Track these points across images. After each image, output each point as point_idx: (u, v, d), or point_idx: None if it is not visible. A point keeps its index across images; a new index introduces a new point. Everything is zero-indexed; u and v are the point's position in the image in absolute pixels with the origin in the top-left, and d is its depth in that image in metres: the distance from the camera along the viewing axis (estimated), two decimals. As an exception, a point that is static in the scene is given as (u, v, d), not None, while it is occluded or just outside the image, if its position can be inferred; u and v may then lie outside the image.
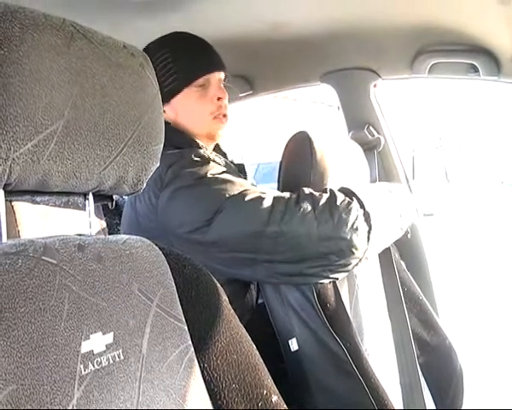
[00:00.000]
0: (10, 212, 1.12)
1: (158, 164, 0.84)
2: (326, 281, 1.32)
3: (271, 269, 1.29)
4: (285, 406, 0.90)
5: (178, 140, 1.42)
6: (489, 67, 1.66)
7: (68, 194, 0.79)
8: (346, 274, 1.35)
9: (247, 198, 1.29)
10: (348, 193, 1.34)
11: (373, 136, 1.99)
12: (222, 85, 1.52)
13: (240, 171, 1.53)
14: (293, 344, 1.34)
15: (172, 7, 1.53)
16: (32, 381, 0.62)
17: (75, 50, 0.71)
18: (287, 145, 1.45)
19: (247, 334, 0.91)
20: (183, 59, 1.45)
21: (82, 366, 0.67)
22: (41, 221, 1.20)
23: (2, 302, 0.62)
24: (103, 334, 0.71)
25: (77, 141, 0.71)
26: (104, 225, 1.53)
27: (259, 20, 1.68)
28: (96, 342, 0.70)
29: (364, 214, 1.31)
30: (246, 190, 1.31)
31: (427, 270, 2.07)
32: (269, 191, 1.33)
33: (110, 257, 0.77)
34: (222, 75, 1.52)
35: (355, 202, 1.31)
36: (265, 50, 1.91)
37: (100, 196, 0.83)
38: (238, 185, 1.32)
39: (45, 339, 0.64)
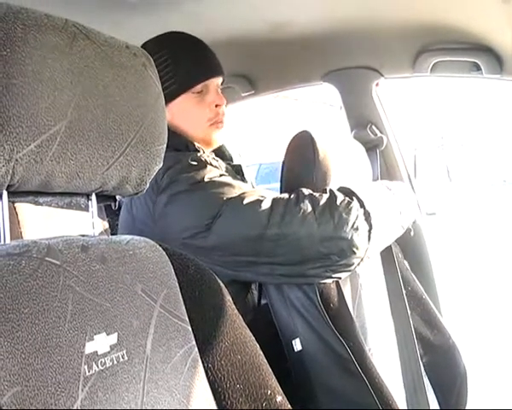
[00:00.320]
0: (13, 213, 1.12)
1: (161, 164, 0.84)
2: (329, 281, 1.32)
3: (273, 271, 1.29)
4: (289, 406, 0.90)
5: (175, 142, 1.40)
6: (491, 66, 1.65)
7: (71, 194, 0.79)
8: (348, 274, 1.35)
9: (245, 201, 1.28)
10: (348, 193, 1.33)
11: (375, 135, 1.99)
12: (219, 90, 1.51)
13: (237, 172, 1.52)
14: (297, 344, 1.33)
15: (174, 6, 1.53)
16: (37, 382, 0.62)
17: (78, 51, 0.71)
18: (289, 145, 1.44)
19: (251, 334, 0.91)
20: (181, 64, 1.43)
21: (86, 367, 0.67)
22: (44, 222, 1.20)
23: (6, 303, 0.62)
24: (107, 335, 0.71)
25: (80, 141, 0.71)
26: (107, 225, 1.53)
27: (261, 20, 1.68)
28: (100, 342, 0.70)
29: (365, 214, 1.31)
30: (244, 193, 1.31)
31: (430, 269, 2.07)
32: (267, 193, 1.33)
33: (114, 258, 0.77)
34: (220, 80, 1.51)
35: (355, 201, 1.31)
36: (267, 50, 1.91)
37: (103, 197, 0.83)
38: (236, 188, 1.32)
39: (49, 340, 0.64)
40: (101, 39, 0.75)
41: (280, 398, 0.88)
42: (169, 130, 1.45)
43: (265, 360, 0.91)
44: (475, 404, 1.84)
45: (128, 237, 0.83)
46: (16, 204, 1.11)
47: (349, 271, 1.32)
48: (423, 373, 1.58)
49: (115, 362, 0.70)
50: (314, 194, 1.31)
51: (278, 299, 1.36)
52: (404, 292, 1.62)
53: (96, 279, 0.73)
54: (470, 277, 5.60)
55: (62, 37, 0.69)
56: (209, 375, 0.82)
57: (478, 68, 1.69)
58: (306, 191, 1.32)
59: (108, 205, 0.88)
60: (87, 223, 0.83)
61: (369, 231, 1.30)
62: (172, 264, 0.85)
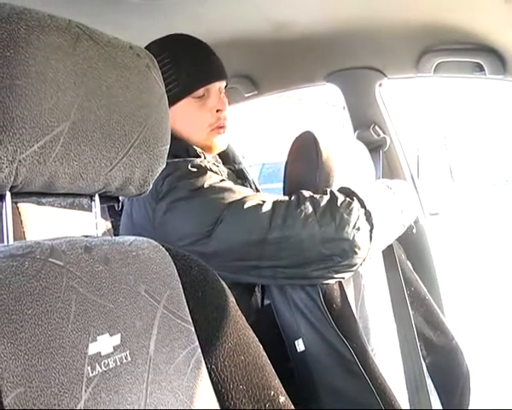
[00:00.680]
0: (16, 213, 1.12)
1: (164, 165, 0.84)
2: (332, 281, 1.32)
3: (276, 274, 1.29)
4: (292, 406, 0.90)
5: (175, 148, 1.39)
6: (495, 66, 1.65)
7: (74, 195, 0.79)
8: (351, 274, 1.35)
9: (246, 205, 1.28)
10: (348, 193, 1.33)
11: (378, 135, 1.99)
12: (223, 94, 1.49)
13: (238, 176, 1.52)
14: (300, 345, 1.33)
15: (177, 7, 1.53)
16: (40, 383, 0.62)
17: (81, 51, 0.71)
18: (292, 145, 1.44)
19: (254, 335, 0.91)
20: (183, 67, 1.42)
21: (89, 368, 0.67)
22: (46, 222, 1.20)
23: (10, 304, 0.62)
24: (110, 335, 0.71)
25: (83, 142, 0.71)
26: (109, 225, 1.53)
27: (265, 20, 1.68)
28: (104, 343, 0.70)
29: (366, 214, 1.30)
30: (244, 198, 1.30)
31: (433, 269, 2.07)
32: (268, 196, 1.32)
33: (117, 259, 0.77)
34: (223, 84, 1.50)
35: (355, 201, 1.31)
36: (270, 50, 1.90)
37: (106, 198, 0.83)
38: (237, 193, 1.31)
39: (52, 341, 0.64)
40: (105, 40, 0.75)
41: (283, 399, 0.88)
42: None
43: (268, 361, 0.91)
44: (478, 405, 1.84)
45: (131, 237, 0.83)
46: (19, 204, 1.11)
47: (352, 271, 1.32)
48: (426, 374, 1.58)
49: (118, 363, 0.70)
50: (315, 196, 1.31)
51: (281, 300, 1.36)
52: (405, 292, 1.62)
53: (99, 280, 0.73)
54: (473, 277, 5.59)
55: (66, 37, 0.69)
56: (212, 376, 0.82)
57: (481, 69, 1.69)
58: (307, 193, 1.31)
59: (111, 205, 0.88)
60: (90, 224, 0.83)
61: (371, 230, 1.30)
62: (175, 265, 0.85)
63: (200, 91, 1.44)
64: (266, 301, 1.50)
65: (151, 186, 0.84)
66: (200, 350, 0.82)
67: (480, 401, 1.91)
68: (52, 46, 0.67)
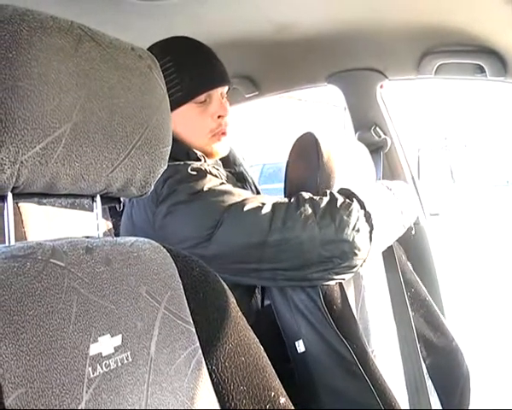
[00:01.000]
0: (17, 213, 1.12)
1: (166, 166, 0.84)
2: (332, 283, 1.32)
3: (276, 276, 1.29)
4: (293, 407, 0.90)
5: (175, 151, 1.38)
6: (496, 68, 1.65)
7: (76, 196, 0.79)
8: (352, 275, 1.35)
9: (245, 208, 1.28)
10: (348, 194, 1.33)
11: (379, 137, 1.99)
12: (224, 100, 1.49)
13: (238, 179, 1.51)
14: (300, 346, 1.34)
15: (178, 8, 1.52)
16: (41, 384, 0.62)
17: (83, 53, 0.71)
18: (293, 147, 1.44)
19: (254, 336, 0.91)
20: (185, 72, 1.41)
21: (90, 369, 0.67)
22: (47, 222, 1.20)
23: (11, 305, 0.62)
24: (111, 336, 0.71)
25: (85, 143, 0.71)
26: (110, 225, 1.53)
27: (266, 21, 1.68)
28: (105, 344, 0.70)
29: (365, 215, 1.30)
30: (244, 200, 1.30)
31: (433, 271, 2.07)
32: (268, 198, 1.32)
33: (118, 259, 0.77)
34: (225, 89, 1.50)
35: (355, 202, 1.31)
36: (272, 51, 1.90)
37: (107, 199, 0.83)
38: (236, 196, 1.31)
39: (54, 342, 0.65)
40: (107, 41, 0.75)
41: (283, 400, 0.88)
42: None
43: (269, 362, 0.91)
44: (478, 405, 1.84)
45: (132, 238, 0.83)
46: (20, 204, 1.11)
47: (352, 272, 1.32)
48: (426, 375, 1.58)
49: (119, 364, 0.71)
50: (314, 197, 1.31)
51: (281, 301, 1.36)
52: (405, 293, 1.62)
53: (100, 281, 0.73)
54: (473, 278, 5.59)
55: (68, 39, 0.69)
56: (213, 377, 0.83)
57: (482, 71, 1.69)
58: (306, 195, 1.31)
59: (113, 206, 0.88)
60: (91, 223, 0.83)
61: (371, 231, 1.30)
62: (177, 266, 0.85)
63: (202, 97, 1.43)
64: (266, 302, 1.50)
65: (152, 187, 0.85)
66: (200, 351, 0.82)
67: (480, 401, 1.91)
68: (54, 47, 0.67)
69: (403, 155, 2.08)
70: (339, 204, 1.29)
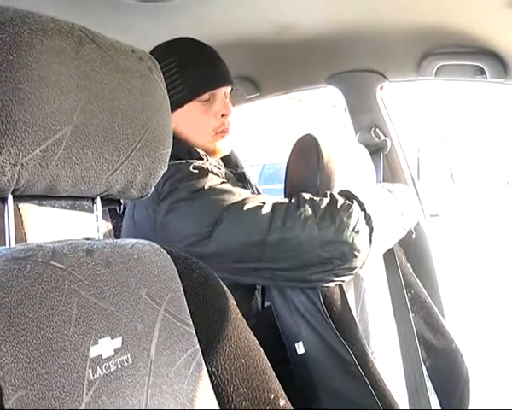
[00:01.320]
0: (17, 214, 1.12)
1: (166, 168, 0.84)
2: (332, 284, 1.32)
3: (275, 276, 1.29)
4: (292, 409, 0.90)
5: (177, 150, 1.39)
6: (496, 70, 1.66)
7: (76, 198, 0.79)
8: (351, 277, 1.35)
9: (246, 207, 1.28)
10: (348, 196, 1.33)
11: (379, 138, 1.99)
12: (227, 100, 1.49)
13: (239, 179, 1.51)
14: (300, 347, 1.34)
15: (179, 10, 1.52)
16: (41, 386, 0.62)
17: (84, 55, 0.71)
18: (293, 148, 1.44)
19: (254, 338, 0.91)
20: (189, 72, 1.42)
21: (91, 371, 0.67)
22: (47, 224, 1.20)
23: (12, 307, 0.62)
24: (112, 339, 0.71)
25: (85, 146, 0.71)
26: (110, 227, 1.53)
27: (267, 22, 1.68)
28: (105, 346, 0.70)
29: (365, 217, 1.30)
30: (244, 199, 1.30)
31: (433, 272, 2.07)
32: (268, 198, 1.33)
33: (118, 262, 0.77)
34: (228, 89, 1.50)
35: (355, 204, 1.31)
36: (272, 52, 1.91)
37: (108, 201, 0.83)
38: (237, 195, 1.31)
39: (54, 344, 0.65)
40: (107, 43, 0.75)
41: (283, 402, 0.88)
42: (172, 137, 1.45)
43: (269, 364, 0.91)
44: (478, 407, 1.84)
45: (133, 240, 0.83)
46: (20, 206, 1.11)
47: (351, 274, 1.32)
48: (426, 376, 1.58)
49: (119, 366, 0.71)
50: (314, 198, 1.31)
51: (281, 302, 1.36)
52: (406, 295, 1.62)
53: (100, 283, 0.73)
54: (473, 279, 5.59)
55: (68, 41, 0.69)
56: (213, 379, 0.83)
57: (482, 72, 1.69)
58: (307, 196, 1.31)
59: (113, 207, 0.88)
60: (91, 225, 0.83)
61: (371, 233, 1.30)
62: (177, 267, 0.85)
63: (206, 96, 1.44)
64: (266, 304, 1.50)
65: (153, 189, 0.85)
66: (200, 353, 0.82)
67: (480, 403, 1.91)
68: (55, 50, 0.67)
69: (403, 157, 2.08)
70: (339, 205, 1.29)
